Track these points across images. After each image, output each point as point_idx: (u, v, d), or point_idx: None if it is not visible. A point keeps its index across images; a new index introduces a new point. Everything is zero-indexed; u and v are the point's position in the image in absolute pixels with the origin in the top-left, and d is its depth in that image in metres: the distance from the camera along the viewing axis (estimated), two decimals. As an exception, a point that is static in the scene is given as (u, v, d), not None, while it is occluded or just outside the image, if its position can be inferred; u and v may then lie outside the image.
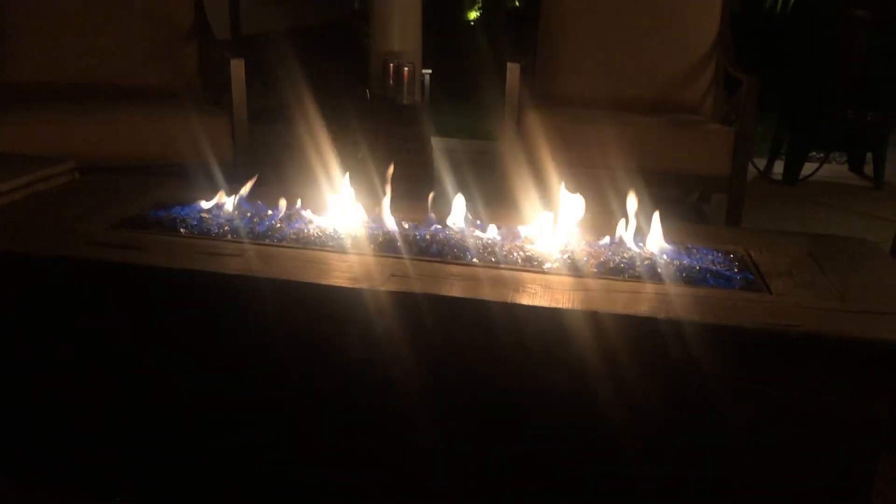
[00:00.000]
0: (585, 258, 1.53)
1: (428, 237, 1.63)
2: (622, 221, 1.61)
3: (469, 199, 1.72)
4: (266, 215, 1.74)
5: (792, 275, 1.50)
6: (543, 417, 1.38)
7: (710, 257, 1.60)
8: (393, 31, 3.69)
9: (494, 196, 2.28)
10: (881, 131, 4.22)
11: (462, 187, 1.82)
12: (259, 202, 1.79)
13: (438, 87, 6.70)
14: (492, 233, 1.63)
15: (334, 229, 1.66)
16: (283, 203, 1.74)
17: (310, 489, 1.55)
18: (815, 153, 4.54)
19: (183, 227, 1.67)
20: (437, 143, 4.94)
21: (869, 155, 4.39)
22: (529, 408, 1.38)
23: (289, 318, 1.42)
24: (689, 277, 1.48)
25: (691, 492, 1.38)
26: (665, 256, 1.55)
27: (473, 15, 12.18)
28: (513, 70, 2.90)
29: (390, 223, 1.68)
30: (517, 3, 10.49)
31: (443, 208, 1.73)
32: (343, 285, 1.37)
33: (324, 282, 1.38)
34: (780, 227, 3.55)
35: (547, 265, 1.49)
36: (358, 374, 1.42)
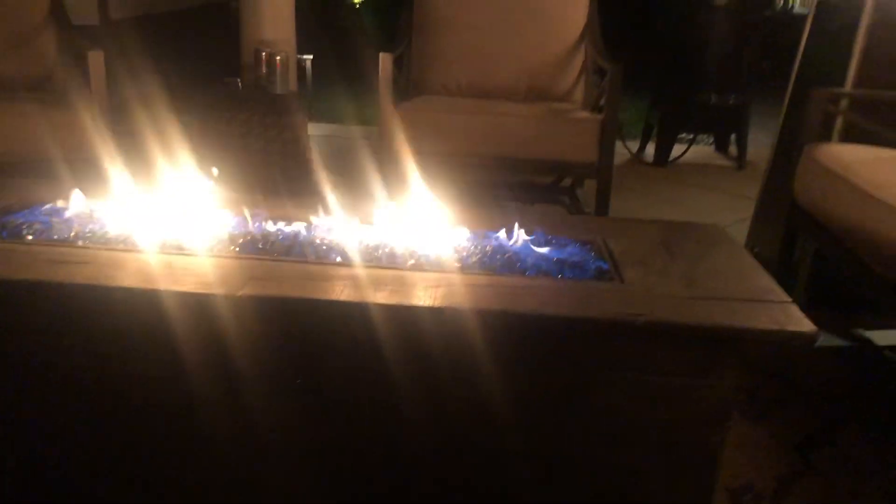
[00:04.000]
0: (444, 252, 1.54)
1: (288, 235, 1.60)
2: (484, 214, 1.64)
3: (341, 192, 1.71)
4: (116, 217, 1.67)
5: (645, 263, 1.56)
6: (402, 419, 1.39)
7: (568, 247, 1.64)
8: (265, 17, 3.60)
9: (366, 188, 2.26)
10: (743, 114, 4.45)
11: (338, 178, 1.80)
12: (110, 203, 1.72)
13: (323, 72, 6.60)
14: (352, 229, 1.62)
15: (186, 230, 1.60)
16: (131, 203, 1.67)
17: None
18: (683, 135, 4.74)
19: (28, 233, 1.58)
20: (319, 130, 4.87)
21: (733, 136, 4.62)
22: (386, 409, 1.39)
23: (140, 329, 1.37)
24: (547, 269, 1.51)
25: (558, 476, 1.43)
26: (523, 248, 1.59)
27: (358, -4, 12.04)
28: (385, 60, 2.89)
29: (240, 221, 1.64)
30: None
31: (314, 201, 1.71)
32: (195, 291, 1.33)
33: (176, 289, 1.34)
34: (651, 208, 3.69)
35: (406, 261, 1.50)
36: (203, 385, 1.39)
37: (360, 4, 11.59)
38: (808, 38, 2.92)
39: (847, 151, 2.28)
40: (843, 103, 2.54)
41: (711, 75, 4.40)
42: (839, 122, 2.59)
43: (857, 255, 1.98)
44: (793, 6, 13.96)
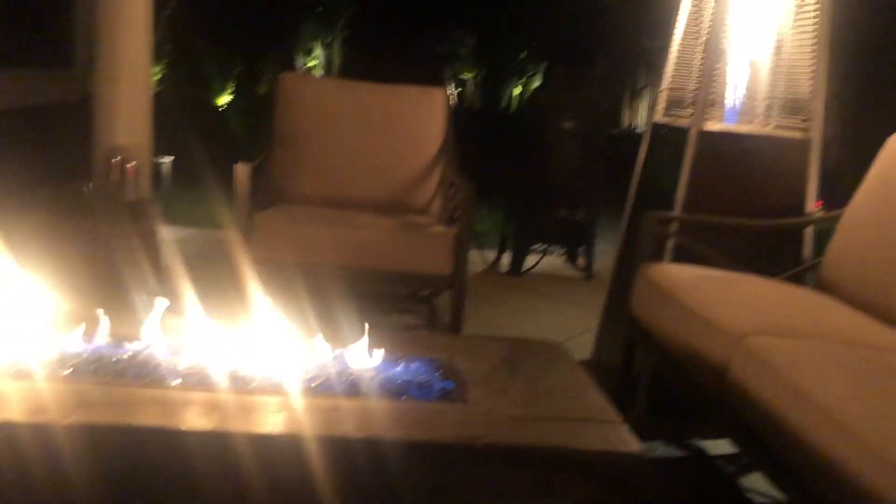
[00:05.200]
0: (288, 374, 1.53)
1: (125, 357, 1.54)
2: (335, 330, 1.64)
3: (192, 303, 1.66)
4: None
5: (488, 381, 1.61)
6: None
7: (415, 367, 1.67)
8: (120, 122, 3.54)
9: (218, 299, 2.22)
10: (590, 228, 4.73)
11: (191, 287, 1.76)
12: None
13: (184, 174, 6.50)
14: (196, 348, 1.58)
15: (18, 349, 1.52)
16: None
17: None
18: (537, 246, 4.95)
19: None
20: (176, 234, 4.75)
21: (582, 249, 4.88)
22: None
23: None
24: (394, 390, 1.53)
25: None
26: (371, 369, 1.60)
27: (223, 100, 12.08)
28: (242, 171, 2.89)
29: (77, 339, 1.58)
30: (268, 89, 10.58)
31: (161, 314, 1.66)
32: (19, 420, 1.25)
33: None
34: (505, 318, 3.80)
35: (247, 384, 1.47)
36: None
37: (225, 106, 11.61)
38: (643, 162, 3.17)
39: (677, 271, 2.46)
40: (674, 226, 2.75)
41: (561, 191, 4.68)
42: (671, 242, 2.80)
43: (686, 369, 2.11)
44: (636, 127, 15.17)
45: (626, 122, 16.11)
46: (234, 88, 12.32)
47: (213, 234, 4.80)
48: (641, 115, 15.48)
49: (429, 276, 2.94)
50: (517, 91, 17.10)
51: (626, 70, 15.41)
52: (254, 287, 2.13)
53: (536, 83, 16.81)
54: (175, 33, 9.44)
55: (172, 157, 6.02)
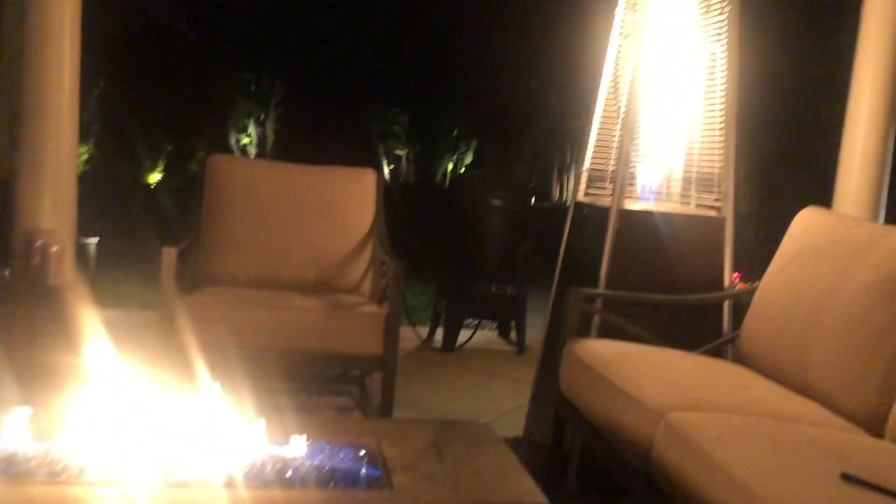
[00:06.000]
0: (209, 464, 1.50)
1: (40, 453, 1.49)
2: (262, 416, 1.62)
3: (116, 389, 1.62)
4: None
5: (414, 467, 1.61)
6: None
7: (342, 454, 1.65)
8: (43, 204, 3.47)
9: (144, 382, 2.17)
10: (520, 303, 4.80)
11: (116, 371, 1.71)
12: None
13: (111, 254, 6.37)
14: (110, 438, 1.54)
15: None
16: None
17: None
18: (469, 321, 4.99)
19: None
20: (102, 316, 4.62)
21: (513, 323, 4.93)
22: None
23: None
24: (319, 479, 1.51)
25: None
26: (296, 457, 1.58)
27: (153, 178, 11.97)
28: (168, 254, 2.86)
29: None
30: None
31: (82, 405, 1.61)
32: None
33: None
34: (438, 395, 3.80)
35: (166, 477, 1.44)
36: None
37: (154, 185, 11.50)
38: (566, 239, 3.26)
39: (601, 347, 2.52)
40: (598, 302, 2.82)
41: (492, 266, 4.75)
42: (597, 318, 2.86)
43: (613, 446, 2.14)
44: (566, 201, 15.57)
45: (556, 195, 16.56)
46: (164, 166, 12.23)
47: (140, 315, 4.70)
48: (570, 190, 15.94)
49: (359, 356, 2.93)
50: (450, 166, 17.45)
51: (555, 146, 15.92)
52: (180, 372, 2.10)
53: (469, 159, 17.21)
54: (104, 113, 9.39)
55: (98, 238, 5.91)
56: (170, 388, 1.72)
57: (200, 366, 2.12)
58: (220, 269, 3.37)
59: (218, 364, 1.72)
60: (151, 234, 5.26)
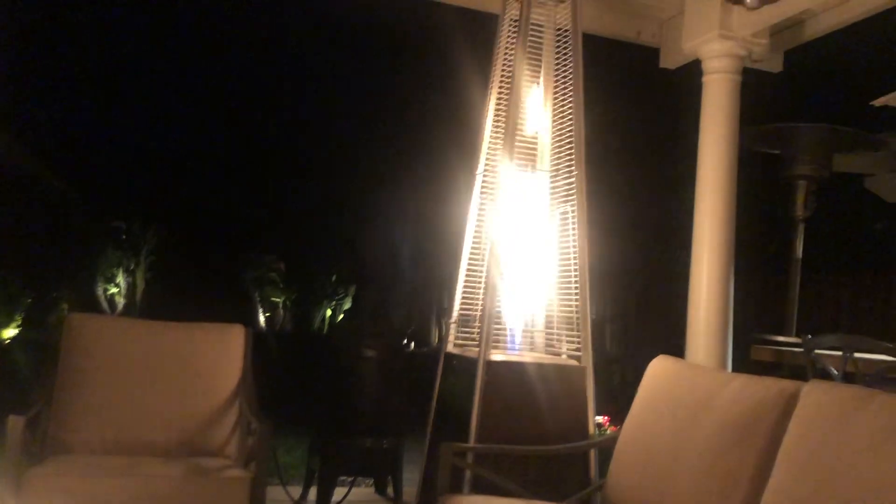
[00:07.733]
0: None
1: None
2: None
3: None
4: None
5: None
6: None
7: None
8: None
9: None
10: (397, 456, 4.70)
11: None
12: None
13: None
14: None
15: None
16: None
17: None
18: (345, 478, 4.83)
19: None
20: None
21: (390, 477, 4.80)
22: None
23: None
24: None
25: None
26: None
27: (7, 333, 11.25)
28: (15, 424, 2.68)
29: None
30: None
31: None
32: None
33: None
34: (310, 561, 3.60)
35: None
36: None
37: (8, 341, 10.80)
38: (437, 391, 3.29)
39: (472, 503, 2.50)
40: (469, 456, 2.82)
41: (365, 420, 4.66)
42: (469, 473, 2.85)
43: None
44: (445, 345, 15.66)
45: (434, 339, 16.64)
46: (22, 319, 11.54)
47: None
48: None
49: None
50: (328, 313, 17.31)
51: (433, 290, 16.16)
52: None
53: (347, 305, 17.17)
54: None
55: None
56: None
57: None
58: (73, 436, 3.17)
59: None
60: (3, 395, 4.91)
